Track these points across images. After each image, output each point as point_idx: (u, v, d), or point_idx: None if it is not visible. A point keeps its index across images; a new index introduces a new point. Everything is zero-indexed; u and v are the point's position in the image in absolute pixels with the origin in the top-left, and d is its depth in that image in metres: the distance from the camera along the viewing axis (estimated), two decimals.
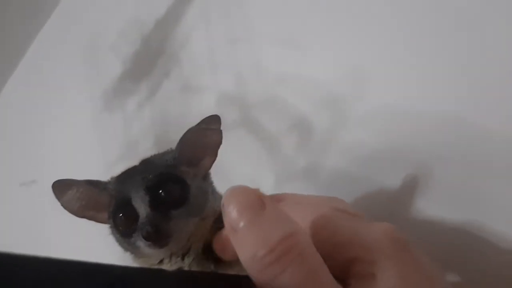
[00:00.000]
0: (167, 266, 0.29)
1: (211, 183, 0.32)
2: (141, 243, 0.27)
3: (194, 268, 0.28)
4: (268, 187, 0.32)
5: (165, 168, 0.30)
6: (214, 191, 0.31)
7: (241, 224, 0.20)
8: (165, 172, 0.29)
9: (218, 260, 0.27)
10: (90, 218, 0.31)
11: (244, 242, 0.20)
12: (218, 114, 0.48)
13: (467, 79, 0.33)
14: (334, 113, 0.40)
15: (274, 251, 0.19)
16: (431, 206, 0.33)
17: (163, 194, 0.28)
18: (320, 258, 0.20)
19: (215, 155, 0.31)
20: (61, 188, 0.30)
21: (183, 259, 0.29)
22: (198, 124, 0.30)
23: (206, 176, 0.31)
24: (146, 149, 0.44)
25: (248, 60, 0.48)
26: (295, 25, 0.45)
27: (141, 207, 0.27)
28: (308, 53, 0.43)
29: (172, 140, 0.52)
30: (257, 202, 0.21)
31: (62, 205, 0.31)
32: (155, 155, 0.32)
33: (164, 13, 0.58)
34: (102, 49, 0.65)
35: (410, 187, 0.35)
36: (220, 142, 0.31)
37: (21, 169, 0.71)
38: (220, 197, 0.29)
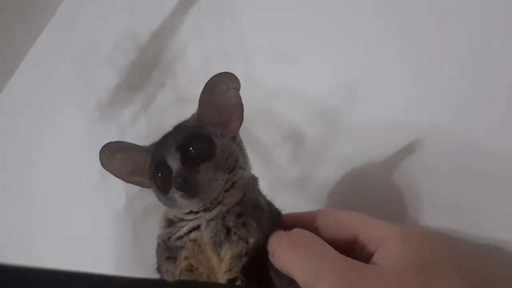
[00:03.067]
0: (191, 217, 0.30)
1: (241, 146, 0.33)
2: (177, 196, 0.29)
3: (209, 229, 0.29)
4: None
5: (192, 128, 0.32)
6: (244, 155, 0.33)
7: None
8: (192, 132, 0.31)
9: (228, 230, 0.29)
10: (136, 183, 0.34)
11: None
12: None
13: (458, 91, 0.34)
14: (325, 125, 0.41)
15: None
16: (421, 216, 0.33)
17: (191, 151, 0.30)
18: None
19: (241, 117, 0.33)
20: (109, 152, 0.32)
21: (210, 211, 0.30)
22: (215, 82, 0.32)
23: (234, 138, 0.33)
24: None
25: (241, 72, 0.48)
26: (287, 39, 0.46)
27: (174, 164, 0.30)
28: (300, 66, 0.44)
29: None
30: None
31: (110, 170, 0.33)
32: (184, 120, 0.34)
33: (160, 25, 0.59)
34: (98, 60, 0.65)
35: (400, 198, 0.35)
36: (242, 104, 0.32)
37: (15, 177, 0.71)
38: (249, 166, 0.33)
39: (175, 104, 0.53)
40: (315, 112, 0.42)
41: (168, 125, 0.50)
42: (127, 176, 0.33)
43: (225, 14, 0.52)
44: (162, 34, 0.58)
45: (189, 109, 0.50)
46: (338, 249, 0.26)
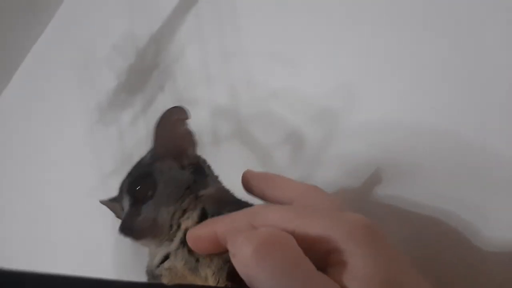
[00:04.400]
0: (159, 249, 0.31)
1: (201, 169, 0.34)
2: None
3: (178, 258, 0.29)
4: None
5: (142, 167, 0.33)
6: (204, 175, 0.33)
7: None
8: (138, 173, 0.33)
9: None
10: None
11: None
12: (212, 127, 0.49)
13: (456, 92, 0.34)
14: (325, 126, 0.41)
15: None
16: (421, 216, 0.33)
17: (138, 193, 0.31)
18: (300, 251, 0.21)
19: (193, 143, 0.33)
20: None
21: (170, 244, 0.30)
22: (162, 117, 0.33)
23: (191, 164, 0.33)
24: None
25: (241, 74, 0.48)
26: (286, 41, 0.46)
27: (126, 207, 0.31)
28: (299, 68, 0.44)
29: None
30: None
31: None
32: (142, 157, 0.35)
33: (159, 28, 0.59)
34: (97, 63, 0.65)
35: (400, 199, 0.35)
36: (189, 129, 0.33)
37: (15, 180, 0.71)
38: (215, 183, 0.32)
39: None
40: (314, 113, 0.42)
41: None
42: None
43: (224, 17, 0.52)
44: (161, 37, 0.58)
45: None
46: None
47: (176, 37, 0.56)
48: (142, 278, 0.34)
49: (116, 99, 0.60)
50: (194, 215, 0.30)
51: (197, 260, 0.28)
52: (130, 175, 0.33)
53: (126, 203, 0.31)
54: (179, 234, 0.30)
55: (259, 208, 0.25)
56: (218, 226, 0.25)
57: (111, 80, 0.61)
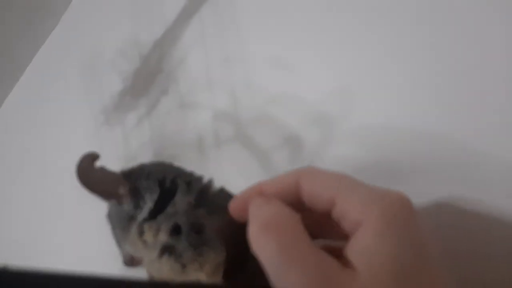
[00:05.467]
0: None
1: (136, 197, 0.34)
2: None
3: (164, 265, 0.30)
4: None
5: None
6: (141, 202, 0.34)
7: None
8: None
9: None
10: None
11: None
12: (214, 129, 0.49)
13: (455, 97, 0.34)
14: (323, 130, 0.41)
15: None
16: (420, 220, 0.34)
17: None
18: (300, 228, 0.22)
19: (117, 180, 0.34)
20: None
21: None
22: (77, 174, 0.34)
23: (121, 202, 0.34)
24: None
25: (241, 79, 0.49)
26: (286, 46, 0.47)
27: None
28: (298, 73, 0.45)
29: (170, 154, 0.53)
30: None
31: None
32: None
33: (162, 33, 0.60)
34: (103, 67, 0.66)
35: None
36: (106, 171, 0.34)
37: (20, 181, 0.70)
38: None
39: (177, 109, 0.54)
40: (313, 117, 0.42)
41: (170, 130, 0.51)
42: None
43: (226, 24, 0.53)
44: (165, 43, 0.59)
45: (191, 115, 0.52)
46: (318, 220, 0.25)
47: (180, 42, 0.57)
48: (145, 274, 0.34)
49: (121, 102, 0.60)
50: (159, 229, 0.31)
51: (184, 266, 0.29)
52: None
53: None
54: (157, 247, 0.31)
55: (309, 170, 0.26)
56: (267, 186, 0.26)
57: (116, 83, 0.62)
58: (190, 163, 0.38)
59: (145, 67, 0.60)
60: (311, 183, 0.25)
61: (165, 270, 0.30)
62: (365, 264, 0.20)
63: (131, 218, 0.32)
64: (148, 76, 0.59)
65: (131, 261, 0.34)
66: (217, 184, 0.37)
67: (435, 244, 0.22)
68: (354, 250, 0.21)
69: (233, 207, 0.27)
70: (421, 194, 0.33)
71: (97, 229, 0.40)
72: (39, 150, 0.70)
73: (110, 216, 0.35)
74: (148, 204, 0.32)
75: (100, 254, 0.45)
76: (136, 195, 0.33)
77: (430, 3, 0.38)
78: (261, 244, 0.22)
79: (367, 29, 0.41)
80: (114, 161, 0.54)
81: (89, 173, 0.33)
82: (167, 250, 0.30)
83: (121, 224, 0.33)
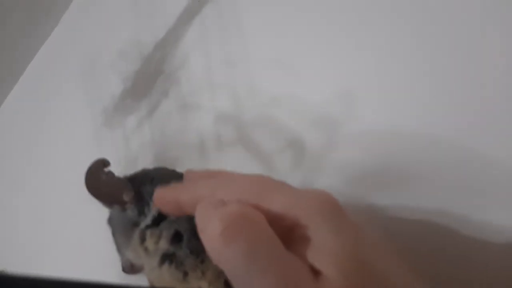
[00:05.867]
0: None
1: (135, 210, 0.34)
2: None
3: (165, 273, 0.30)
4: None
5: None
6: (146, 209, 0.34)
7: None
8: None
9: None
10: None
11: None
12: (215, 132, 0.49)
13: (458, 101, 0.34)
14: (326, 133, 0.41)
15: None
16: (423, 225, 0.33)
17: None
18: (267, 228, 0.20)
19: (124, 187, 0.34)
20: None
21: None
22: (86, 178, 0.33)
23: (125, 208, 0.34)
24: (145, 165, 0.44)
25: (243, 80, 0.49)
26: (289, 48, 0.46)
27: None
28: (300, 76, 0.45)
29: (171, 157, 0.53)
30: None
31: None
32: None
33: (164, 35, 0.59)
34: (103, 68, 0.65)
35: (401, 206, 0.35)
36: (114, 176, 0.34)
37: (20, 184, 0.70)
38: None
39: (178, 112, 0.53)
40: (316, 120, 0.42)
41: (172, 132, 0.51)
42: None
43: (227, 25, 0.52)
44: (166, 44, 0.59)
45: (192, 117, 0.52)
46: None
47: (181, 44, 0.57)
48: (144, 282, 0.34)
49: (121, 103, 0.60)
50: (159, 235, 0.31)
51: (186, 274, 0.29)
52: None
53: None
54: (157, 254, 0.31)
55: (223, 178, 0.25)
56: (182, 194, 0.25)
57: (117, 84, 0.62)
58: (191, 166, 0.37)
59: (146, 68, 0.60)
60: (227, 194, 0.23)
61: (166, 278, 0.29)
62: (331, 266, 0.19)
63: (134, 224, 0.32)
64: (149, 77, 0.59)
65: (131, 269, 0.33)
66: None
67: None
68: (312, 252, 0.20)
69: (161, 196, 0.26)
70: (425, 199, 0.33)
71: (97, 235, 0.40)
72: (38, 152, 0.70)
73: (112, 222, 0.34)
74: (152, 212, 0.32)
75: (100, 261, 0.45)
76: (141, 201, 0.33)
77: (434, 7, 0.38)
78: (225, 249, 0.19)
79: (372, 31, 0.41)
80: (114, 163, 0.55)
81: (97, 178, 0.33)
82: (168, 257, 0.30)
83: (123, 230, 0.33)
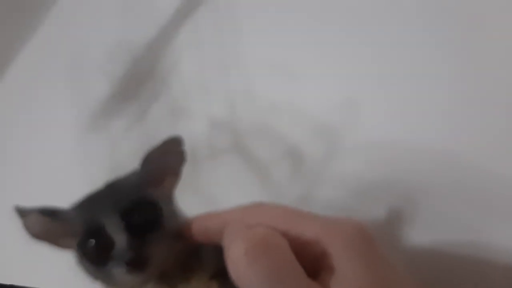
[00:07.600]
0: None
1: (176, 204, 0.32)
2: (118, 270, 0.26)
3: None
4: None
5: (135, 191, 0.29)
6: (179, 213, 0.31)
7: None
8: (138, 196, 0.29)
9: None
10: (51, 243, 0.31)
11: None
12: (208, 139, 0.48)
13: (460, 113, 0.34)
14: (325, 143, 0.40)
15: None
16: (422, 238, 0.33)
17: (138, 219, 0.28)
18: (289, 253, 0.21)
19: (177, 174, 0.32)
20: (20, 213, 0.31)
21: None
22: (161, 145, 0.32)
23: (172, 197, 0.31)
24: None
25: (239, 85, 0.48)
26: (287, 52, 0.46)
27: (117, 233, 0.27)
28: (300, 81, 0.44)
29: None
30: None
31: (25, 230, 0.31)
32: (120, 178, 0.32)
33: (155, 35, 0.59)
34: (90, 69, 0.65)
35: (401, 218, 0.35)
36: (184, 162, 0.32)
37: (2, 189, 0.69)
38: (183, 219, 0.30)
39: (169, 117, 0.53)
40: (315, 128, 0.41)
41: (161, 138, 0.50)
42: (39, 237, 0.32)
43: (223, 25, 0.52)
44: (157, 44, 0.58)
45: (183, 122, 0.51)
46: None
47: (173, 44, 0.56)
48: None
49: (108, 107, 0.59)
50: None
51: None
52: (115, 194, 0.29)
53: (115, 226, 0.27)
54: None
55: (255, 206, 0.26)
56: (212, 221, 0.26)
57: (104, 87, 0.61)
58: (182, 176, 0.36)
59: (135, 70, 0.60)
60: (258, 220, 0.24)
61: None
62: None
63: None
64: (138, 80, 0.58)
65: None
66: (212, 199, 0.36)
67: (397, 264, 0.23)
68: (339, 284, 0.21)
69: (194, 228, 0.27)
70: (428, 211, 0.33)
71: None
72: (20, 157, 0.70)
73: (166, 204, 0.30)
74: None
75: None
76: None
77: (439, 16, 0.37)
78: (247, 270, 0.20)
79: (375, 38, 0.40)
80: (100, 171, 0.54)
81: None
82: None
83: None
